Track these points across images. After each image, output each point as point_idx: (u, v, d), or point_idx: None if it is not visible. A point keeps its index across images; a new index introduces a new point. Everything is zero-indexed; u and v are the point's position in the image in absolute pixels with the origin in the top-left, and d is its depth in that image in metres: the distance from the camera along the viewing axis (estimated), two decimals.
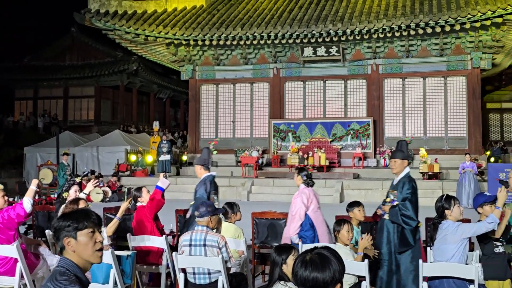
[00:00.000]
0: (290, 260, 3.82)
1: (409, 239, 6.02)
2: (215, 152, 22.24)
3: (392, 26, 20.68)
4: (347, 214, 6.82)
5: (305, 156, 21.21)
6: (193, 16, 24.54)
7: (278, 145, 23.27)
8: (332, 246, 4.83)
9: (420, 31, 20.76)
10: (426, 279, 5.27)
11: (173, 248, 6.89)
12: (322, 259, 2.54)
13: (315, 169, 20.82)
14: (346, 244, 5.57)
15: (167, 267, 6.80)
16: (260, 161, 22.18)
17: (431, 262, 5.51)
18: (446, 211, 5.23)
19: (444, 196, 5.41)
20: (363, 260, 5.29)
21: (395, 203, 6.15)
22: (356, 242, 6.15)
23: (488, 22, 19.95)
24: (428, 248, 6.06)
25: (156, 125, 25.36)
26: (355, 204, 6.77)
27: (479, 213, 5.61)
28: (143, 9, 25.05)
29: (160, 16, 24.63)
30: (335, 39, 21.82)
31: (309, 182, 7.57)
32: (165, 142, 22.13)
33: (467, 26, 20.21)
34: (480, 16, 19.64)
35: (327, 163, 21.04)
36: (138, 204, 7.19)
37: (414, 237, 6.07)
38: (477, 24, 20.12)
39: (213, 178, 7.59)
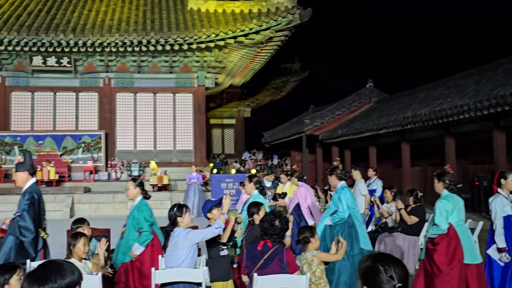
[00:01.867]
0: (14, 280, 3.63)
1: (29, 250, 6.07)
2: None
3: (124, 41, 21.04)
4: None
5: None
6: None
7: (3, 159, 21.61)
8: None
9: (151, 48, 21.54)
10: (159, 286, 5.56)
11: None
12: (44, 272, 2.45)
13: (43, 184, 19.91)
14: (83, 259, 5.51)
15: None
16: None
17: (162, 269, 5.78)
18: (178, 219, 5.58)
19: (176, 204, 5.75)
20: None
21: (16, 215, 6.20)
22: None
23: (212, 44, 21.71)
24: (160, 256, 6.36)
25: None
26: (79, 221, 6.73)
27: (208, 218, 6.15)
28: None
29: None
30: (66, 49, 21.26)
31: None
32: None
33: (194, 46, 21.66)
34: (205, 38, 21.25)
35: (57, 177, 20.31)
36: None
37: (35, 248, 6.15)
38: (203, 45, 21.72)
39: None
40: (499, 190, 6.63)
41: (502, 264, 6.40)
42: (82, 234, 5.59)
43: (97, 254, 5.65)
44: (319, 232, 6.74)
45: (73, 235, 5.57)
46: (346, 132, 23.79)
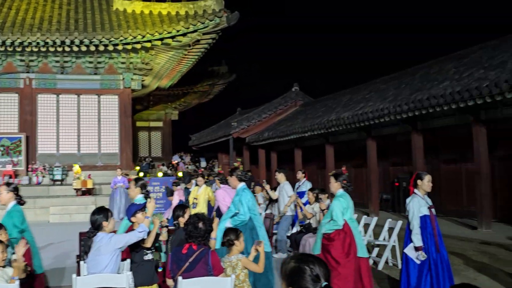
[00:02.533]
0: None
1: None
2: None
3: (46, 41, 20.36)
4: None
5: None
6: None
7: None
8: None
9: (75, 48, 20.94)
10: None
11: None
12: None
13: None
14: (1, 266, 5.31)
15: None
16: None
17: (84, 275, 5.64)
18: (104, 223, 5.48)
19: (99, 208, 5.65)
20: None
21: None
22: None
23: (138, 46, 21.40)
24: (82, 262, 6.18)
25: None
26: None
27: (132, 222, 6.07)
28: None
29: None
30: None
31: None
32: None
33: (120, 47, 21.26)
34: (131, 39, 20.91)
35: None
36: None
37: None
38: (129, 47, 21.36)
39: None
40: (415, 191, 6.92)
41: (419, 262, 6.69)
42: None
43: (15, 259, 5.44)
44: (219, 235, 6.79)
45: None
46: (272, 134, 24.12)
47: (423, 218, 6.78)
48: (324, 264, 2.45)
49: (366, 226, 11.04)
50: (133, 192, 7.35)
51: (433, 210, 6.90)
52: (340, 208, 6.70)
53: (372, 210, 17.74)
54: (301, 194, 11.90)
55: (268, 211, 11.99)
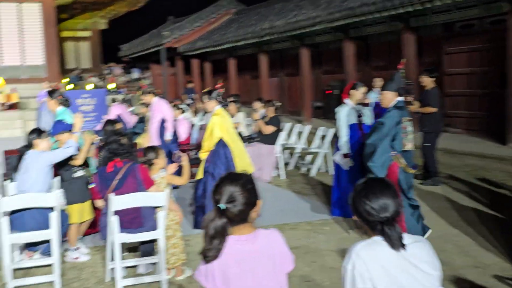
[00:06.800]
0: None
1: None
2: None
3: None
4: None
5: None
6: None
7: None
8: None
9: None
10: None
11: None
12: None
13: None
14: None
15: None
16: None
17: (12, 195, 5.40)
18: (35, 141, 5.41)
19: (36, 128, 5.61)
20: None
21: None
22: None
23: None
24: (8, 181, 5.91)
25: None
26: None
27: (56, 140, 5.87)
28: None
29: None
30: None
31: None
32: None
33: None
34: None
35: None
36: None
37: None
38: None
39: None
40: (346, 100, 7.01)
41: (346, 169, 6.88)
42: None
43: None
44: None
45: None
46: (205, 44, 23.62)
47: (351, 126, 6.92)
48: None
49: (300, 134, 11.20)
50: (51, 105, 7.05)
51: (362, 118, 7.03)
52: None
53: (305, 118, 18.01)
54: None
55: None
